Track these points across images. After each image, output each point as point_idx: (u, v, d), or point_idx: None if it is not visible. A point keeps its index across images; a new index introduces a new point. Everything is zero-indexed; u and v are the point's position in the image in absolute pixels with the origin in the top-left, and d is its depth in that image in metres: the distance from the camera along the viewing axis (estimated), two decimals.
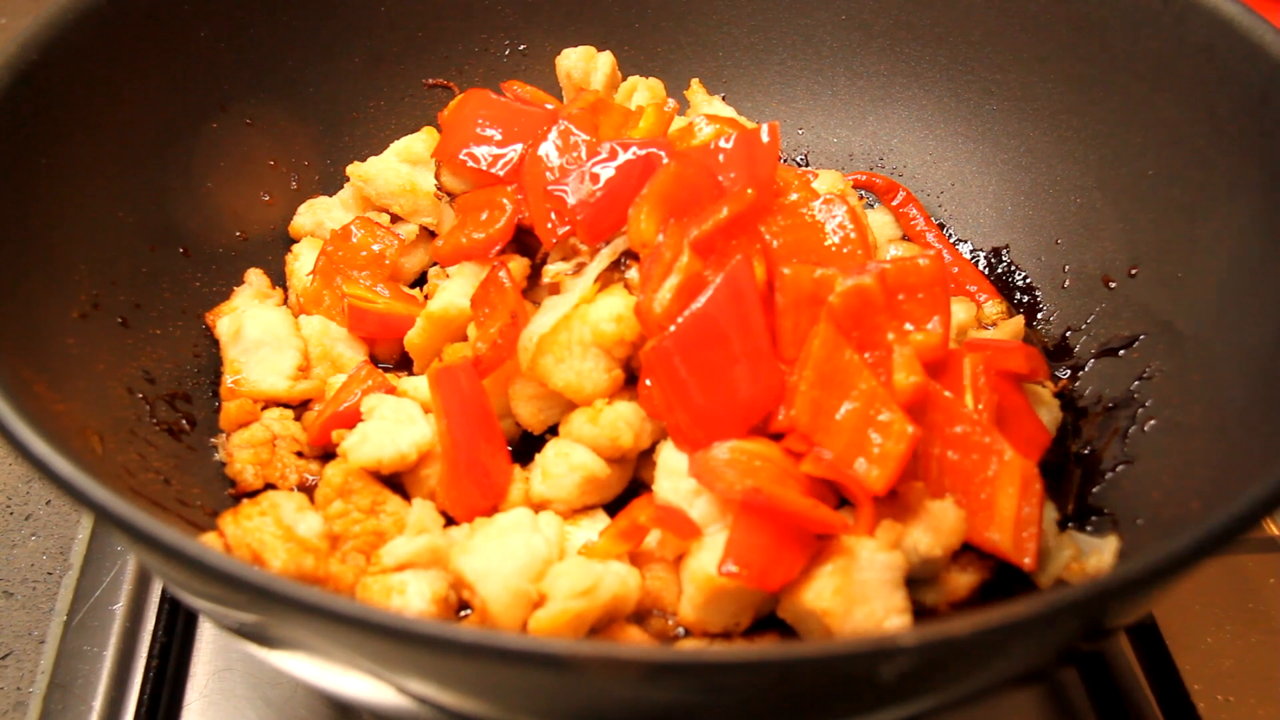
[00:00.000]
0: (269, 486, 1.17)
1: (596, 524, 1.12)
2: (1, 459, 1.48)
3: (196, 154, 1.34)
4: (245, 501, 1.07)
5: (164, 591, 1.27)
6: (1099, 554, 1.08)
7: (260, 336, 1.23)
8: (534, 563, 1.00)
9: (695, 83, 1.48)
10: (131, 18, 1.24)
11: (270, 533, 1.02)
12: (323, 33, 1.45)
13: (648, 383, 1.07)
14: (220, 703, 1.20)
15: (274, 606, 0.76)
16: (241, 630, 0.91)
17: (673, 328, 1.06)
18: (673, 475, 1.07)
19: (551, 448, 1.13)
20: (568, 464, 1.11)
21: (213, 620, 1.07)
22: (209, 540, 1.03)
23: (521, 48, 1.47)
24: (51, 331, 1.07)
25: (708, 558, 1.01)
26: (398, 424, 1.14)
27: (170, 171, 1.30)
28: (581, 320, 1.13)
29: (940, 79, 1.50)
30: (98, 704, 1.20)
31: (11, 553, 1.38)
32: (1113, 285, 1.30)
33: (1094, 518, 1.16)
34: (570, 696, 0.79)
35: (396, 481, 1.15)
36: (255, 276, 1.30)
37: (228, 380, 1.22)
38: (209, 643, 1.24)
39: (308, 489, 1.17)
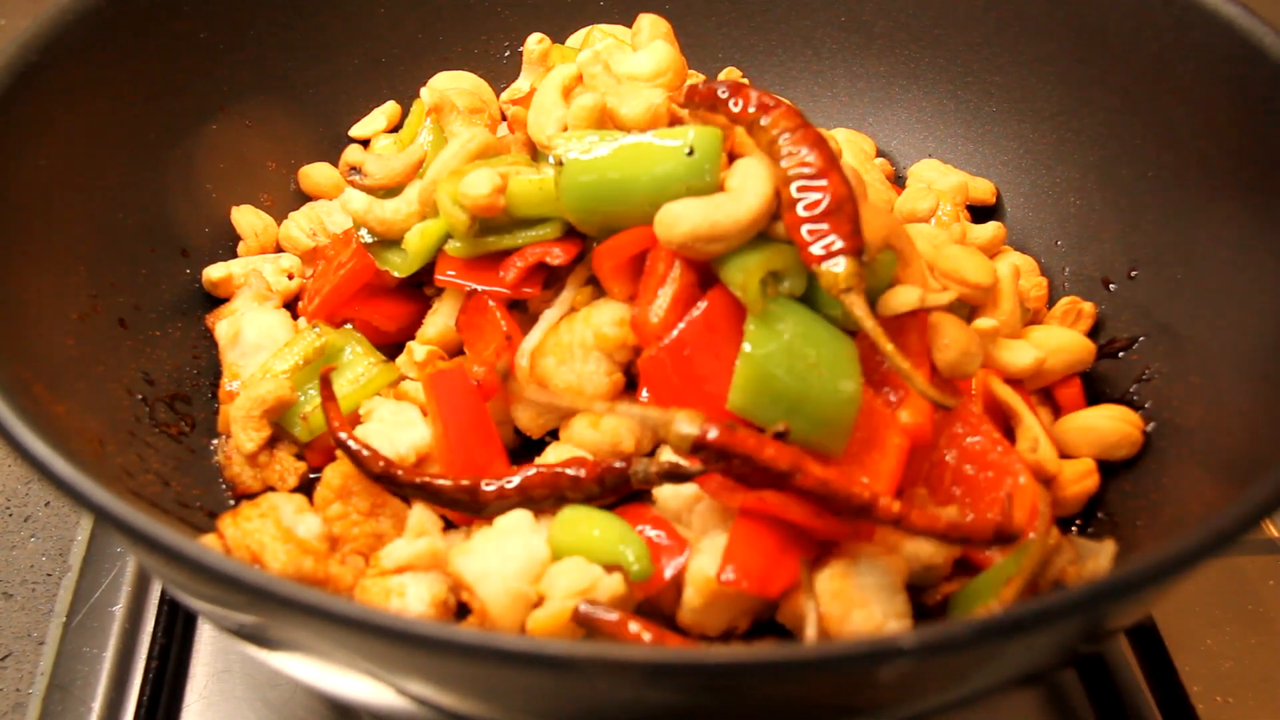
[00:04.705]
0: (269, 488, 1.17)
1: None
2: (1, 460, 1.48)
3: (196, 155, 1.34)
4: (244, 503, 1.07)
5: (163, 593, 1.27)
6: (1096, 557, 1.08)
7: (259, 339, 1.23)
8: (533, 564, 1.00)
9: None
10: (131, 18, 1.24)
11: (270, 534, 1.02)
12: (322, 34, 1.45)
13: (644, 393, 1.07)
14: (219, 704, 1.20)
15: (273, 608, 0.76)
16: (241, 632, 0.91)
17: (669, 337, 1.06)
18: None
19: (551, 452, 1.13)
20: None
21: (212, 622, 1.07)
22: (208, 542, 1.03)
23: (520, 50, 1.47)
24: (51, 333, 1.07)
25: (707, 561, 1.01)
26: (396, 426, 1.14)
27: (170, 172, 1.30)
28: (584, 323, 1.13)
29: (940, 81, 1.50)
30: (97, 705, 1.20)
31: (11, 554, 1.38)
32: (1112, 287, 1.30)
33: (1092, 520, 1.16)
34: (569, 697, 0.79)
35: None
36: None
37: (226, 383, 1.22)
38: (208, 644, 1.24)
39: (306, 488, 1.17)
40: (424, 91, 1.34)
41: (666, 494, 1.07)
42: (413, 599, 1.01)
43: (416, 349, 1.21)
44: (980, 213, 1.44)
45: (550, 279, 1.19)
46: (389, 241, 1.23)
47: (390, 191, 1.24)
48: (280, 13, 1.41)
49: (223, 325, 1.26)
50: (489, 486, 1.03)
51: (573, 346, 1.13)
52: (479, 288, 1.17)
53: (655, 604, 1.05)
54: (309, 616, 0.73)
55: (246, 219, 1.37)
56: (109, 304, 1.17)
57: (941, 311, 1.09)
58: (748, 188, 1.03)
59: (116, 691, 1.22)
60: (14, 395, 0.86)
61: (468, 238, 1.16)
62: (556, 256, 1.15)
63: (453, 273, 1.18)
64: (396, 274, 1.22)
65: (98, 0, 1.19)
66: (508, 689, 0.81)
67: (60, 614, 1.28)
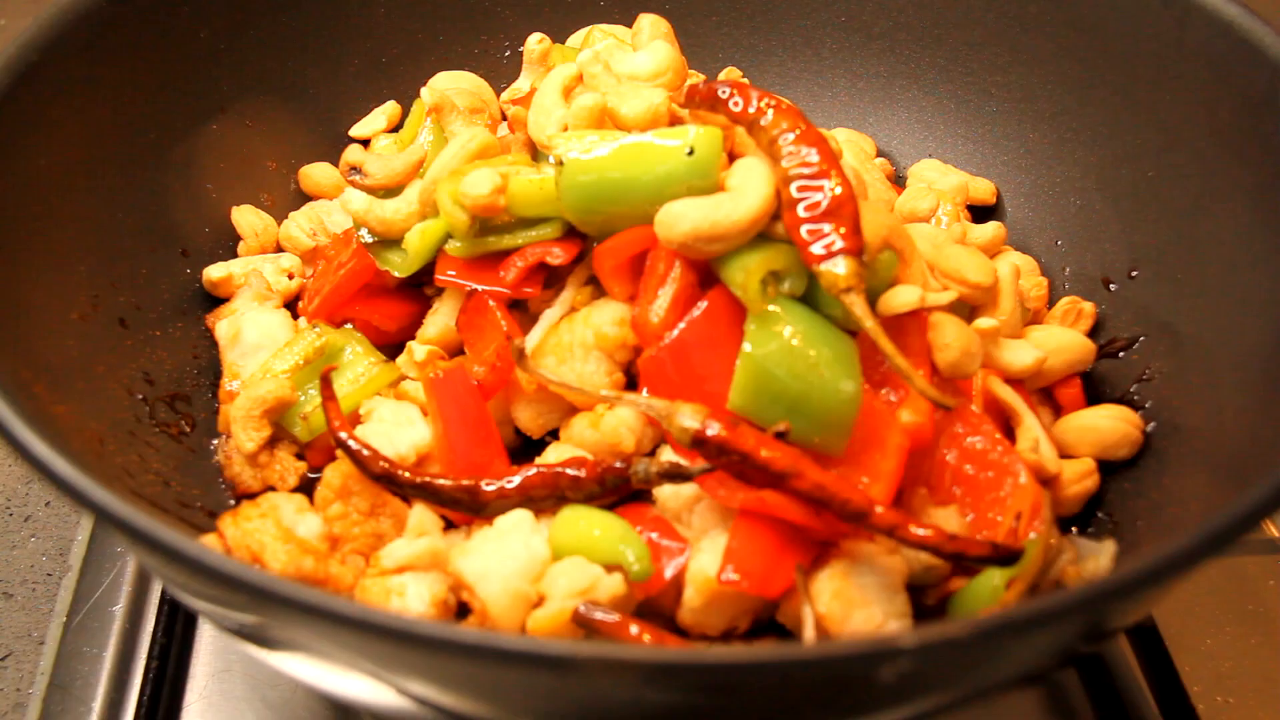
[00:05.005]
0: (269, 488, 1.17)
1: None
2: (1, 460, 1.48)
3: (196, 155, 1.34)
4: (245, 503, 1.07)
5: (163, 593, 1.27)
6: (1096, 557, 1.08)
7: (259, 339, 1.23)
8: (533, 564, 1.00)
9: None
10: (131, 18, 1.23)
11: (270, 534, 1.02)
12: (323, 34, 1.45)
13: (644, 392, 1.07)
14: (219, 704, 1.20)
15: (274, 607, 0.76)
16: (241, 631, 0.91)
17: (669, 337, 1.06)
18: None
19: (552, 452, 1.13)
20: None
21: (212, 621, 1.07)
22: (209, 542, 1.03)
23: (521, 50, 1.47)
24: (51, 332, 1.07)
25: (708, 560, 1.01)
26: (397, 426, 1.14)
27: (170, 172, 1.30)
28: (584, 323, 1.13)
29: (940, 80, 1.50)
30: (97, 705, 1.20)
31: (11, 554, 1.38)
32: (1113, 287, 1.30)
33: (1092, 520, 1.16)
34: (570, 697, 0.79)
35: None
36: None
37: (226, 383, 1.22)
38: (208, 644, 1.24)
39: (306, 488, 1.17)
40: (424, 91, 1.34)
41: (666, 494, 1.07)
42: (413, 599, 1.01)
43: (416, 349, 1.21)
44: (980, 212, 1.44)
45: (550, 279, 1.19)
46: (389, 241, 1.23)
47: (390, 191, 1.24)
48: (280, 13, 1.41)
49: (223, 325, 1.26)
50: (489, 486, 1.03)
51: (573, 346, 1.13)
52: (479, 287, 1.17)
53: (655, 604, 1.05)
54: (309, 616, 0.73)
55: (246, 219, 1.38)
56: (109, 304, 1.17)
57: (942, 311, 1.09)
58: (748, 187, 1.03)
59: (117, 691, 1.22)
60: (14, 395, 0.86)
61: (468, 238, 1.16)
62: (557, 256, 1.15)
63: (453, 273, 1.18)
64: (397, 274, 1.22)
65: (98, 0, 1.19)
66: (508, 689, 0.81)
67: (60, 614, 1.28)
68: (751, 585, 0.98)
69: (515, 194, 1.14)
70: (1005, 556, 0.95)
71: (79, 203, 1.16)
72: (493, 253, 1.17)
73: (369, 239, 1.23)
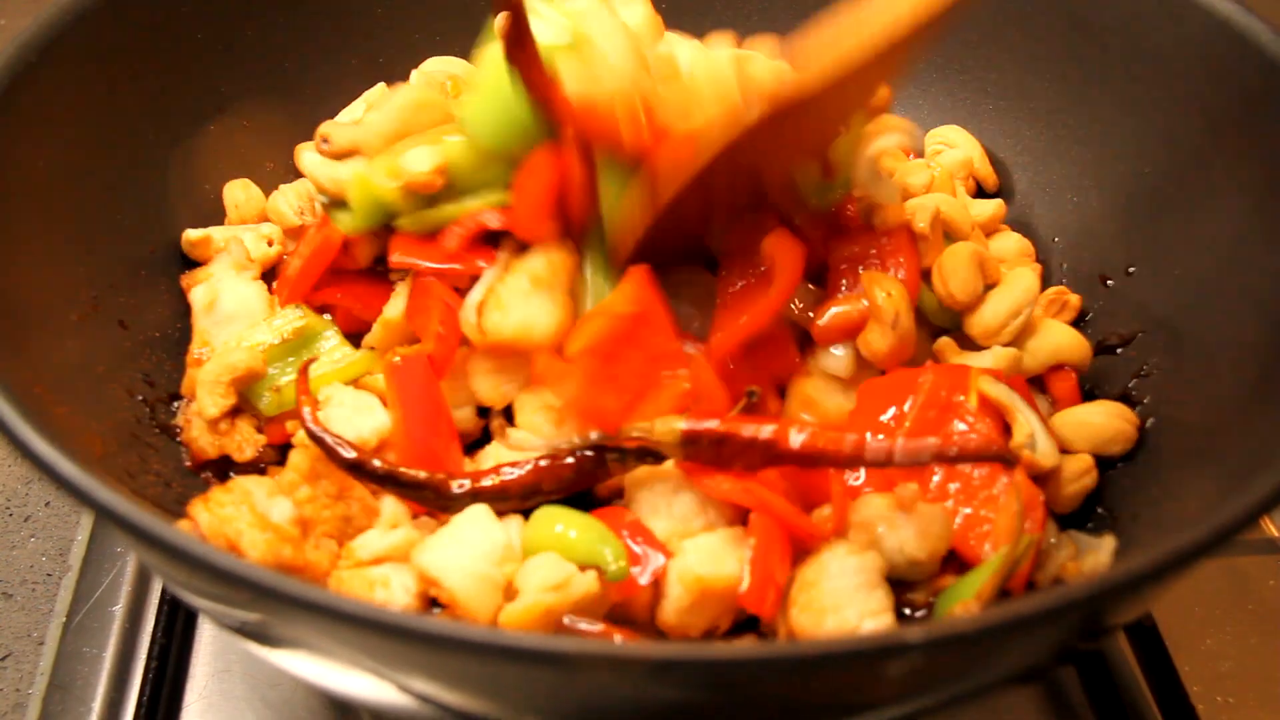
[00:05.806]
0: (224, 456, 1.16)
1: None
2: (1, 460, 1.48)
3: (196, 155, 1.34)
4: (214, 488, 1.04)
5: (163, 592, 1.27)
6: (1096, 553, 1.08)
7: (235, 310, 1.23)
8: (494, 549, 1.00)
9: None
10: (131, 18, 1.24)
11: (246, 521, 1.00)
12: (322, 34, 1.45)
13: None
14: (219, 704, 1.20)
15: (277, 605, 0.76)
16: (242, 629, 0.91)
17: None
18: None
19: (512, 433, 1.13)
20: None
21: (213, 620, 1.07)
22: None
23: None
24: (51, 334, 1.07)
25: (694, 559, 1.01)
26: (357, 411, 1.14)
27: (170, 173, 1.30)
28: (515, 273, 1.14)
29: (937, 79, 1.50)
30: (97, 705, 1.20)
31: (11, 554, 1.38)
32: (1110, 284, 1.30)
33: (1091, 515, 1.16)
34: (573, 695, 0.79)
35: None
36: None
37: (194, 350, 1.21)
38: (208, 644, 1.24)
39: (263, 469, 1.16)
40: (414, 75, 1.35)
41: (641, 489, 1.07)
42: (397, 590, 1.00)
43: (378, 327, 1.22)
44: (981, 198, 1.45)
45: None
46: (342, 202, 1.23)
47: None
48: (279, 13, 1.41)
49: (199, 290, 1.24)
50: (460, 485, 1.03)
51: (513, 295, 1.13)
52: (435, 265, 1.18)
53: (625, 611, 1.04)
54: (314, 614, 0.73)
55: (232, 194, 1.36)
56: (109, 304, 1.17)
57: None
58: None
59: (116, 691, 1.22)
60: (16, 395, 0.86)
61: (409, 208, 1.17)
62: (494, 221, 1.16)
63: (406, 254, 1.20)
64: (343, 230, 1.22)
65: (97, 0, 1.19)
66: (509, 685, 0.81)
67: (60, 614, 1.28)
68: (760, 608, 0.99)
69: (456, 164, 1.16)
70: (1003, 456, 0.98)
71: (79, 203, 1.16)
72: (444, 226, 1.19)
73: (324, 200, 1.24)
